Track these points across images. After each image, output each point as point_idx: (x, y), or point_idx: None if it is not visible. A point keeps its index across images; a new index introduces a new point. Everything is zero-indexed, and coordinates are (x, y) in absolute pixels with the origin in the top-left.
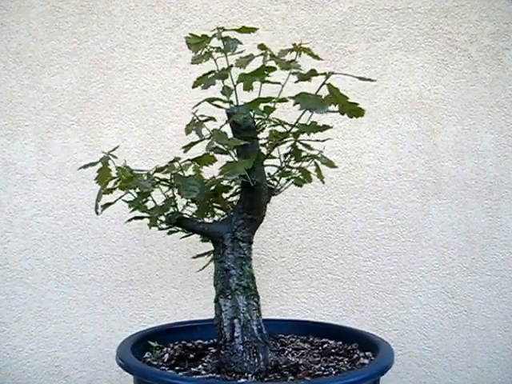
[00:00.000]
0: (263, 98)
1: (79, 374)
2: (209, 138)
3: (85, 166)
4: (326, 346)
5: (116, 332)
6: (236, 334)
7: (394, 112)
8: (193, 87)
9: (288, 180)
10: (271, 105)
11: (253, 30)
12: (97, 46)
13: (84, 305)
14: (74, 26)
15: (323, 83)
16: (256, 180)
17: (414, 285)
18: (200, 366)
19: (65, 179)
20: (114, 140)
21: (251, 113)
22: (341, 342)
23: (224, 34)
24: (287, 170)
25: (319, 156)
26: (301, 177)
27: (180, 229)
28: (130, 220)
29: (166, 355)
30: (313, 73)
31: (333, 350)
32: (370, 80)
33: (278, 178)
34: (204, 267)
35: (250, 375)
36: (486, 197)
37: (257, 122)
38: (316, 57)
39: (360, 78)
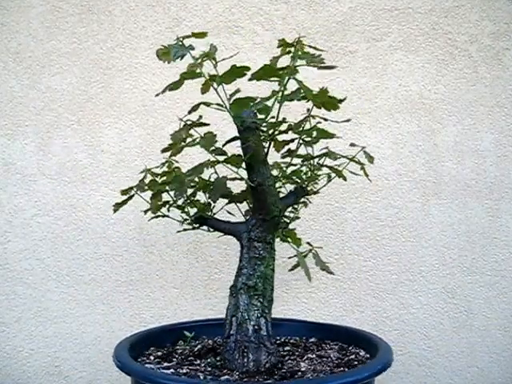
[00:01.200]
0: (242, 99)
1: (79, 374)
2: (180, 141)
3: (144, 171)
4: (352, 356)
5: (116, 332)
6: (232, 332)
7: (395, 112)
8: (156, 95)
9: (315, 181)
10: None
11: (203, 34)
12: (97, 46)
13: (84, 305)
14: (74, 26)
15: (289, 78)
16: (257, 180)
17: (414, 285)
18: (209, 360)
19: (65, 179)
20: (114, 140)
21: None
22: (368, 355)
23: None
24: (315, 169)
25: (356, 155)
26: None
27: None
28: (151, 218)
29: (199, 346)
30: (271, 69)
31: (355, 362)
32: (329, 68)
33: (305, 178)
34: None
35: (236, 374)
36: (486, 197)
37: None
38: (315, 48)
39: (319, 68)
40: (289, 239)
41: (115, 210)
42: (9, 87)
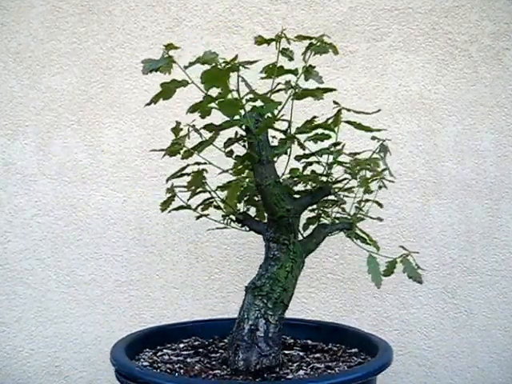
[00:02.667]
0: (226, 101)
1: (79, 374)
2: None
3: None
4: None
5: (116, 332)
6: (233, 330)
7: (395, 112)
8: (146, 105)
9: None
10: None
11: (172, 46)
12: (97, 46)
13: (84, 305)
14: (74, 25)
15: (238, 77)
16: (256, 179)
17: (414, 285)
18: (219, 355)
19: (65, 179)
20: (114, 140)
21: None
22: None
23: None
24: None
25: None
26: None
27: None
28: (199, 217)
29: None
30: (221, 68)
31: None
32: (251, 63)
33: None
34: None
35: (226, 370)
36: (486, 197)
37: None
38: (298, 38)
39: (246, 63)
40: (368, 241)
41: (163, 210)
42: (9, 87)
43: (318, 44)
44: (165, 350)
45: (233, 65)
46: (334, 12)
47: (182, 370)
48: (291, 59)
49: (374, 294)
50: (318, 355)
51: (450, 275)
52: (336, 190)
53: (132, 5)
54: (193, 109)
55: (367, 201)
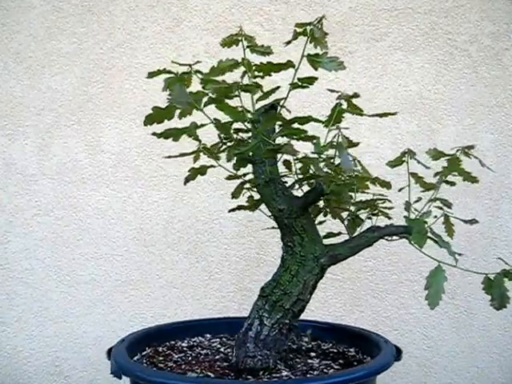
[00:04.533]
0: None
1: (80, 374)
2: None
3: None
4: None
5: (117, 332)
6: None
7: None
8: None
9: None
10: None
11: (178, 63)
12: (97, 46)
13: (84, 305)
14: (74, 26)
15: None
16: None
17: (414, 285)
18: None
19: (65, 179)
20: (115, 140)
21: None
22: None
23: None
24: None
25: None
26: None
27: None
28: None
29: None
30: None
31: None
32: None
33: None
34: None
35: (222, 366)
36: (486, 197)
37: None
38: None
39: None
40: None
41: (241, 208)
42: (9, 87)
43: (318, 29)
44: (202, 339)
45: (188, 71)
46: (333, 12)
47: (190, 358)
48: (264, 54)
49: (374, 293)
50: (335, 366)
51: (450, 275)
52: (331, 189)
53: (132, 5)
54: (148, 120)
55: (435, 200)
